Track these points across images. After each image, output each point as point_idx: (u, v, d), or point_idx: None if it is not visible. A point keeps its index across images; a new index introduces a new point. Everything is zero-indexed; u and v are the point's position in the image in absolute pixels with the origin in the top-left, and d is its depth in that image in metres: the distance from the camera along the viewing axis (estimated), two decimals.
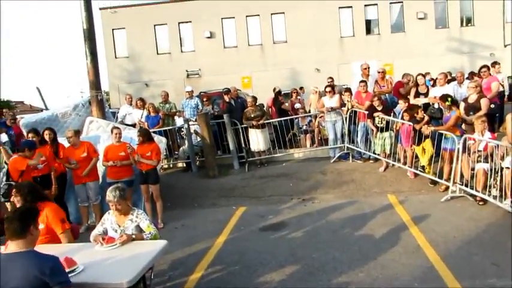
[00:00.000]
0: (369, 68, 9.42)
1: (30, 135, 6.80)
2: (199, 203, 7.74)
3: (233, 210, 7.10)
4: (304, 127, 10.22)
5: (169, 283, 4.63)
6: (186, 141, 9.54)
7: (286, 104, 10.69)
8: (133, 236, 4.00)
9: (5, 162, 6.62)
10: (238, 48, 23.54)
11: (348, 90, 9.33)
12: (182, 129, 10.53)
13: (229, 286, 4.45)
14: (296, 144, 10.11)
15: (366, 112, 8.42)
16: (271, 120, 9.90)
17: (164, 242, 3.86)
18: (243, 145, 9.46)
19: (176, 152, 10.09)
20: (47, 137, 6.85)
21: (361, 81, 8.96)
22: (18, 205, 4.05)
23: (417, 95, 8.46)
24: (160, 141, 7.82)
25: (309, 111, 10.89)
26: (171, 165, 10.04)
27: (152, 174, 6.81)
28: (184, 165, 9.77)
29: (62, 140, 7.14)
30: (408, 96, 8.52)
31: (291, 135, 10.17)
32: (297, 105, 10.38)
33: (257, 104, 9.88)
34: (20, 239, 2.85)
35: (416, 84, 8.79)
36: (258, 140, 9.26)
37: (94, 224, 6.75)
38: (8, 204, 6.08)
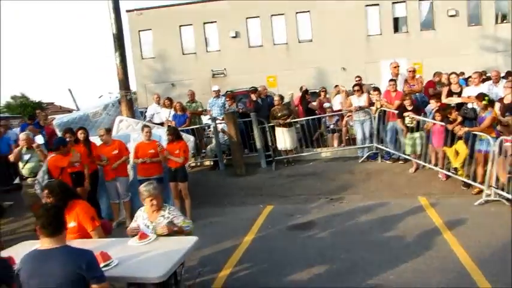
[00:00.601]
0: (398, 66, 9.24)
1: (67, 135, 7.00)
2: (227, 201, 7.78)
3: (261, 209, 7.10)
4: (332, 126, 10.12)
5: (199, 279, 4.67)
6: (214, 140, 9.62)
7: (314, 103, 10.62)
8: (176, 229, 4.07)
9: (41, 161, 6.83)
10: (264, 47, 23.55)
11: (377, 89, 9.19)
12: (207, 128, 10.60)
13: (258, 284, 4.46)
14: (323, 144, 10.04)
15: (396, 111, 8.27)
16: (298, 119, 9.86)
17: (195, 238, 3.90)
18: (270, 144, 9.46)
19: (203, 151, 10.18)
20: (80, 136, 7.04)
21: (391, 80, 8.81)
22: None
23: (450, 94, 8.24)
24: (188, 140, 7.91)
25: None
26: (198, 164, 10.14)
27: (181, 172, 6.91)
28: (212, 163, 9.85)
29: (93, 139, 7.32)
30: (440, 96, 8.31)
31: (318, 134, 10.10)
32: (326, 104, 10.28)
33: (284, 103, 9.86)
34: (56, 236, 2.92)
35: (449, 83, 8.57)
36: (284, 139, 9.24)
37: (124, 220, 6.93)
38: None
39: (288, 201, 7.44)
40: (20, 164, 6.95)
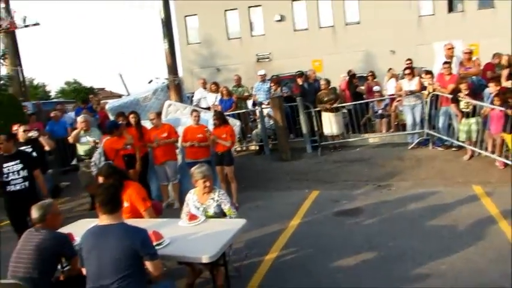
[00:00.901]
0: (453, 48, 8.77)
1: (120, 118, 7.29)
2: (273, 185, 7.83)
3: (306, 194, 7.09)
4: (380, 111, 9.83)
5: (246, 261, 4.76)
6: (259, 124, 9.65)
7: (362, 87, 10.36)
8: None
9: (95, 142, 7.17)
10: (309, 30, 23.09)
11: (429, 72, 8.79)
12: (253, 113, 10.64)
13: (305, 268, 4.48)
14: (371, 129, 9.79)
15: (450, 96, 7.89)
16: (345, 104, 9.67)
17: (244, 221, 3.96)
18: (316, 129, 9.36)
19: (249, 135, 10.26)
20: (132, 120, 7.30)
21: (445, 63, 8.38)
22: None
23: (511, 77, 7.72)
24: (235, 124, 8.00)
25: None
26: (244, 148, 10.24)
27: (227, 156, 7.01)
28: (257, 147, 9.91)
29: (144, 123, 7.57)
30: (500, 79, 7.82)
31: (366, 119, 9.86)
32: (376, 88, 9.98)
33: (330, 87, 9.68)
34: (113, 214, 3.10)
35: (510, 65, 8.03)
36: (331, 124, 9.10)
37: (173, 202, 7.17)
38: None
39: (334, 187, 7.37)
40: (78, 146, 7.34)
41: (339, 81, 11.46)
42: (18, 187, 5.43)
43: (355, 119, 9.49)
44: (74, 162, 7.94)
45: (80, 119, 7.57)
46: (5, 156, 5.47)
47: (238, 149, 10.10)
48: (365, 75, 11.52)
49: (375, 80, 10.63)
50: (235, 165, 7.27)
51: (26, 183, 5.51)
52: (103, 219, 3.09)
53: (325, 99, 9.08)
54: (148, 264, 3.04)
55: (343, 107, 9.62)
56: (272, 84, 10.11)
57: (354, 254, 4.66)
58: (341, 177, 7.78)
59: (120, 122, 7.10)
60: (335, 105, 9.08)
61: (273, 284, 4.22)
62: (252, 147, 10.18)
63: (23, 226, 4.68)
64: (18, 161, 5.47)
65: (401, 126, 9.40)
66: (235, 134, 7.40)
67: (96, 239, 3.03)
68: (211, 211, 4.23)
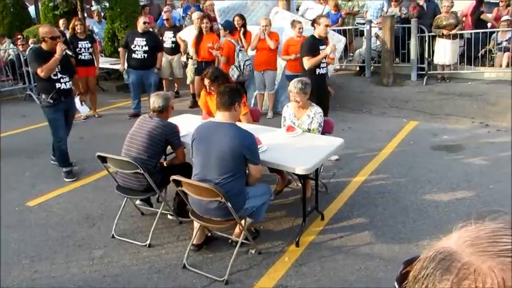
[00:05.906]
0: None
1: (236, 18, 7.37)
2: (368, 109, 7.60)
3: (404, 123, 6.81)
4: (504, 43, 8.65)
5: (333, 180, 4.86)
6: (364, 44, 9.10)
7: (489, 15, 9.09)
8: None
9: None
10: None
11: None
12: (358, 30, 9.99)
13: (393, 195, 4.47)
14: (489, 63, 8.75)
15: None
16: (464, 31, 8.64)
17: (341, 140, 3.97)
18: (426, 56, 8.60)
19: (351, 54, 9.79)
20: (236, 24, 7.30)
21: None
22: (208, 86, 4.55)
23: None
24: (339, 41, 7.64)
25: None
26: (343, 67, 9.85)
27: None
28: (358, 68, 9.47)
29: (249, 28, 7.52)
30: None
31: (486, 51, 8.78)
32: (506, 17, 8.69)
33: (451, 10, 8.61)
34: (226, 111, 3.26)
35: None
36: (445, 52, 8.26)
37: (266, 112, 7.34)
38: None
39: (435, 120, 6.96)
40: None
41: (462, 5, 10.11)
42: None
43: (474, 50, 8.50)
44: (183, 59, 8.29)
45: (195, 15, 7.78)
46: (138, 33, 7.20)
47: (337, 67, 9.73)
48: (497, 1, 10.00)
49: (508, 7, 9.19)
50: (331, 84, 7.07)
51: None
52: (218, 117, 3.30)
53: (444, 23, 8.16)
54: (251, 167, 3.24)
55: (462, 34, 8.60)
56: (393, 1, 9.19)
57: (450, 191, 4.51)
58: (444, 111, 7.28)
59: (231, 22, 7.23)
60: (454, 31, 8.15)
61: (359, 204, 4.30)
62: (352, 67, 9.75)
63: None
64: (145, 39, 7.07)
65: None
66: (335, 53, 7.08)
67: (208, 132, 3.27)
68: (305, 127, 4.26)
